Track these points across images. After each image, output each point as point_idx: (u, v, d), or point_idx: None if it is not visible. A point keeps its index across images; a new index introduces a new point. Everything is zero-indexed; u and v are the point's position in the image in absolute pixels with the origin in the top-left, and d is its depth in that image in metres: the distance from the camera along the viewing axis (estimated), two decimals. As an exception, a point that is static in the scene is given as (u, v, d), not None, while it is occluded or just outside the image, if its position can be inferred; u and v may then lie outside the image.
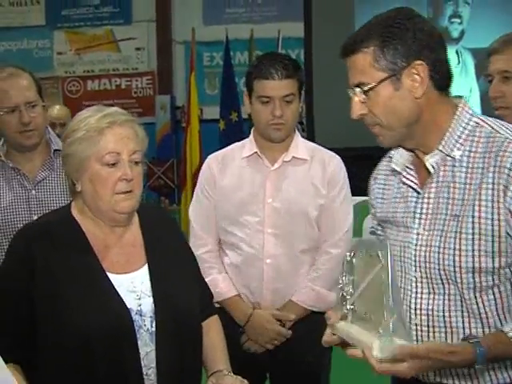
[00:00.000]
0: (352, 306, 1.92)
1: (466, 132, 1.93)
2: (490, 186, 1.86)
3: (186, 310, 2.16)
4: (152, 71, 10.15)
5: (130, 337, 2.06)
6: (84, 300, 2.05)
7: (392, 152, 2.07)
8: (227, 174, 2.89)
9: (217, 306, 2.63)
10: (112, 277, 2.11)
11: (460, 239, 1.87)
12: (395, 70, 1.88)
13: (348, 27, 6.56)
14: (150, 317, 2.11)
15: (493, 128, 1.91)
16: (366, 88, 1.90)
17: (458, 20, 7.67)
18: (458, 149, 1.92)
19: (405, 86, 1.89)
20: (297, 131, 2.96)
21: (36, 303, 2.05)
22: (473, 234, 1.87)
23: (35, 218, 2.69)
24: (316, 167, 2.88)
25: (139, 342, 2.07)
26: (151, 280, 2.16)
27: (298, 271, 2.83)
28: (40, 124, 2.78)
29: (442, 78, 1.92)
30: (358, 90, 1.91)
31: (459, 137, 1.93)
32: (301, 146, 2.92)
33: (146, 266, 2.18)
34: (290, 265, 2.81)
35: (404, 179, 2.03)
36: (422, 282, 1.96)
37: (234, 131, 7.32)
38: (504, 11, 7.27)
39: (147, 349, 2.09)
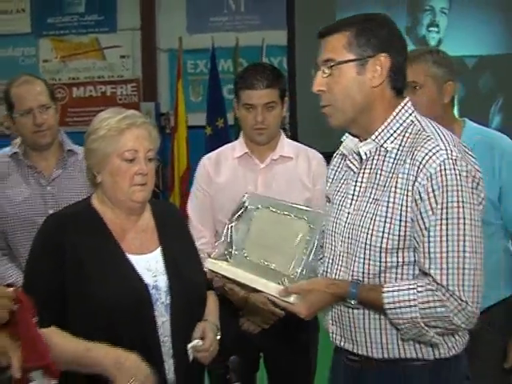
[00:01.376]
0: (241, 252, 2.20)
1: (401, 128, 2.17)
2: (405, 176, 2.08)
3: (196, 285, 2.47)
4: (137, 78, 10.30)
5: (148, 308, 2.35)
6: (107, 277, 2.34)
7: (344, 137, 2.31)
8: (221, 172, 3.16)
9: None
10: (130, 257, 2.40)
11: (375, 220, 2.10)
12: (362, 56, 2.14)
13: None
14: (165, 291, 2.39)
15: (422, 126, 2.17)
16: (332, 63, 2.14)
17: (436, 29, 7.94)
18: (392, 141, 2.15)
19: (366, 74, 2.14)
20: (282, 132, 3.24)
21: (66, 284, 2.28)
22: (385, 217, 2.10)
23: (50, 211, 2.91)
24: (301, 164, 3.18)
25: (156, 313, 2.35)
26: (164, 260, 2.45)
27: None
28: (52, 124, 3.04)
29: (397, 80, 2.19)
30: (325, 64, 2.16)
31: (395, 131, 2.17)
32: (286, 145, 3.27)
33: (160, 249, 2.47)
34: None
35: (348, 162, 2.28)
36: (343, 257, 2.19)
37: (221, 137, 7.52)
38: (480, 21, 7.53)
39: (163, 319, 2.38)
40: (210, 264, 2.28)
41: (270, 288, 2.12)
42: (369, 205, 2.15)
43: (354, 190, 2.22)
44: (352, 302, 2.12)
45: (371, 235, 2.11)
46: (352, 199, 2.22)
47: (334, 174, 2.39)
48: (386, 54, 2.14)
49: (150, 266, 2.42)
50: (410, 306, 2.04)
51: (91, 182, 2.54)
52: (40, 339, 1.99)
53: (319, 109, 2.22)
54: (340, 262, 2.21)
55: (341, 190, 2.29)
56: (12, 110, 3.05)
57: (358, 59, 2.14)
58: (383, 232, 2.10)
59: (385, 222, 2.10)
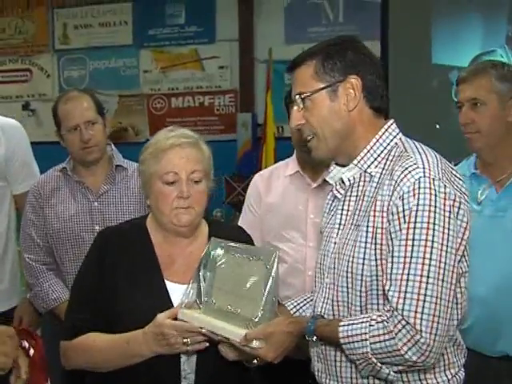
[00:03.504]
0: (210, 299, 2.08)
1: (385, 151, 2.07)
2: (383, 198, 1.96)
3: None
4: (234, 89, 10.32)
5: None
6: (137, 304, 2.26)
7: (331, 167, 2.20)
8: (272, 191, 3.01)
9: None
10: (170, 285, 2.29)
11: (355, 247, 1.96)
12: (332, 82, 2.08)
13: (424, 47, 6.60)
14: None
15: (405, 147, 2.04)
16: (304, 95, 2.09)
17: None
18: (376, 166, 2.05)
19: (340, 99, 2.07)
20: None
21: (103, 297, 2.29)
22: (365, 242, 1.95)
23: (97, 227, 2.89)
24: None
25: None
26: None
27: None
28: (99, 140, 3.02)
29: (374, 99, 2.10)
30: (297, 97, 2.11)
31: (378, 155, 2.06)
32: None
33: None
34: None
35: (334, 191, 2.20)
36: (329, 288, 2.05)
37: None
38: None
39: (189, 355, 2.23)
40: (181, 314, 2.15)
41: (236, 335, 2.03)
42: (351, 232, 2.03)
43: (341, 219, 2.12)
44: (313, 339, 1.98)
45: (352, 262, 1.98)
46: (338, 228, 2.11)
47: (326, 207, 2.28)
48: (355, 76, 2.08)
49: None
50: (362, 341, 1.88)
51: (147, 204, 2.47)
52: None
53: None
54: (326, 295, 2.09)
55: (330, 221, 2.19)
56: (60, 127, 3.06)
57: (327, 86, 2.08)
58: (363, 258, 1.96)
59: (365, 247, 1.96)
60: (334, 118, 2.07)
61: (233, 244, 2.24)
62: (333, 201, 2.23)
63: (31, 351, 2.05)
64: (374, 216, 1.96)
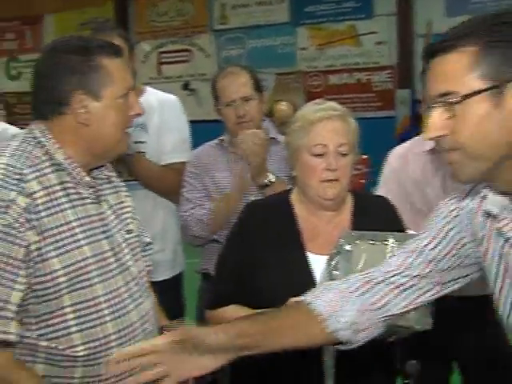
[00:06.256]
0: None
1: None
2: None
3: None
4: (392, 65, 10.13)
5: None
6: (280, 276, 2.25)
7: (484, 190, 1.59)
8: (410, 167, 2.88)
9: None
10: (312, 257, 2.26)
11: None
12: (499, 81, 1.41)
13: None
14: None
15: None
16: (454, 99, 1.44)
17: None
18: None
19: (507, 105, 1.41)
20: None
21: (245, 271, 2.30)
22: None
23: (251, 198, 2.89)
24: None
25: None
26: None
27: None
28: (254, 116, 3.05)
29: None
30: (442, 101, 1.45)
31: None
32: None
33: None
34: None
35: (504, 228, 1.55)
36: None
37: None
38: None
39: None
40: None
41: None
42: None
43: None
44: None
45: None
46: None
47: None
48: None
49: None
50: None
51: (291, 176, 2.47)
52: None
53: None
54: None
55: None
56: (218, 102, 3.11)
57: (491, 87, 1.41)
58: None
59: None
60: (495, 132, 1.43)
61: (367, 232, 2.19)
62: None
63: None
64: None
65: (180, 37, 11.54)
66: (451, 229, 1.66)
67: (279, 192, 2.60)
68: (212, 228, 3.00)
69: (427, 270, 1.67)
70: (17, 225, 1.73)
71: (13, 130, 3.74)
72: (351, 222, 2.36)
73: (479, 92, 1.40)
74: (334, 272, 2.14)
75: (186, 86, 11.32)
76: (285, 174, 2.93)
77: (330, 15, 10.43)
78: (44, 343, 1.81)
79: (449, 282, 1.69)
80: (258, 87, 3.11)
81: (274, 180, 2.81)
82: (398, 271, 1.69)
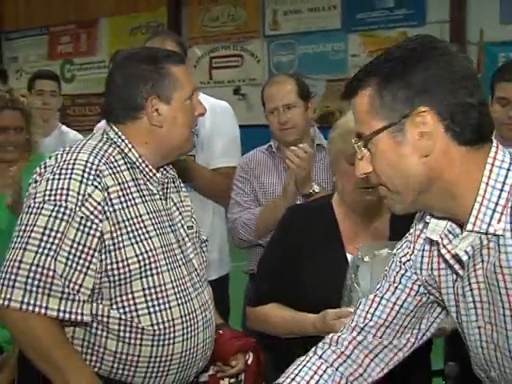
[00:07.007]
0: None
1: (504, 196, 1.44)
2: None
3: None
4: (444, 72, 10.06)
5: None
6: (319, 272, 2.33)
7: (428, 217, 1.59)
8: None
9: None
10: (351, 258, 2.33)
11: None
12: (395, 118, 1.43)
13: None
14: None
15: None
16: (363, 140, 1.51)
17: None
18: (498, 221, 1.43)
19: (409, 140, 1.43)
20: None
21: (287, 272, 2.38)
22: None
23: (297, 202, 2.94)
24: None
25: None
26: None
27: None
28: (298, 123, 3.12)
29: (465, 130, 1.42)
30: (356, 141, 1.53)
31: (496, 204, 1.44)
32: None
33: None
34: None
35: (446, 254, 1.54)
36: None
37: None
38: None
39: None
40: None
41: None
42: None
43: (474, 296, 1.55)
44: None
45: None
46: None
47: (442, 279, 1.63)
48: (426, 106, 1.41)
49: None
50: None
51: (333, 179, 2.55)
52: None
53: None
54: None
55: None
56: (265, 109, 3.20)
57: (390, 125, 1.44)
58: None
59: None
60: (404, 167, 1.45)
61: (383, 242, 2.28)
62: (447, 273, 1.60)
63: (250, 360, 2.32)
64: None
65: (232, 42, 11.63)
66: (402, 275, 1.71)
67: (321, 196, 2.65)
68: (257, 233, 3.06)
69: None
70: (92, 217, 1.93)
71: (72, 135, 3.87)
72: (390, 228, 2.42)
73: (378, 132, 1.45)
74: (355, 286, 2.19)
75: (236, 91, 11.40)
76: (330, 180, 2.98)
77: (382, 22, 10.40)
78: (117, 315, 1.99)
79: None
80: (304, 95, 3.16)
81: (318, 190, 2.86)
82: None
